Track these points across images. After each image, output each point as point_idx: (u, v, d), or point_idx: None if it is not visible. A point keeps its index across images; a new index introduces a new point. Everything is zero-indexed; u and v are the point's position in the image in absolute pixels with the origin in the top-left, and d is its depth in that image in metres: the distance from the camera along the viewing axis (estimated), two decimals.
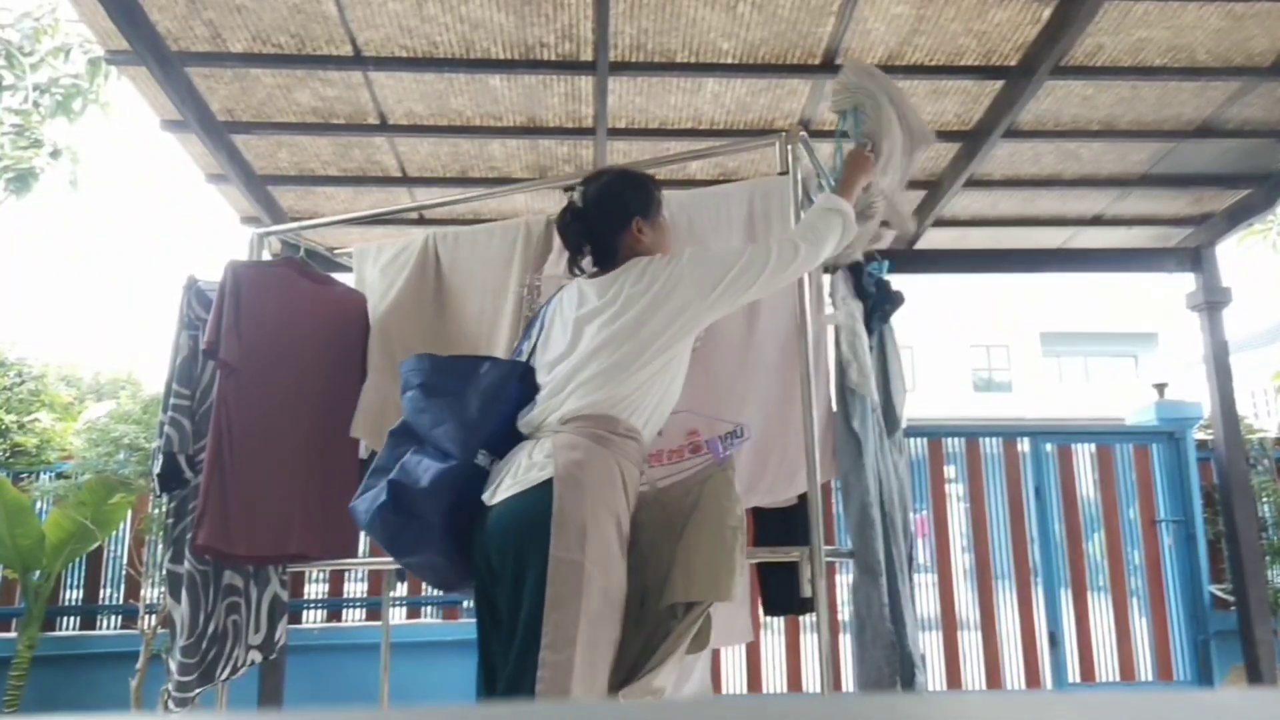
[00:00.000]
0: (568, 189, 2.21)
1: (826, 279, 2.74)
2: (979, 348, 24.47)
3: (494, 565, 1.88)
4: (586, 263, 2.19)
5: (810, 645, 4.63)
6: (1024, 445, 5.04)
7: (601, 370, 1.95)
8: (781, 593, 3.16)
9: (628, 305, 1.99)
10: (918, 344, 22.54)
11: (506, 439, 2.04)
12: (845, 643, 2.68)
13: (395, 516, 2.00)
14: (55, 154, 7.01)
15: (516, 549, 1.83)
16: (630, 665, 1.92)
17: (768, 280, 2.02)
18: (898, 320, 2.90)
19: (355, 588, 5.08)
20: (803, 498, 2.49)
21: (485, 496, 1.94)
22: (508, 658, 1.80)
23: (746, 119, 3.81)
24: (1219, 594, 4.85)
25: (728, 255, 2.02)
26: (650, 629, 1.96)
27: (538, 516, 1.81)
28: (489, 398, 2.10)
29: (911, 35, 3.30)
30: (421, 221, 4.52)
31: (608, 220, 2.13)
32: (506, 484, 1.91)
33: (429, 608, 4.97)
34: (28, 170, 6.77)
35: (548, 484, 1.83)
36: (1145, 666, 4.84)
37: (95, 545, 4.55)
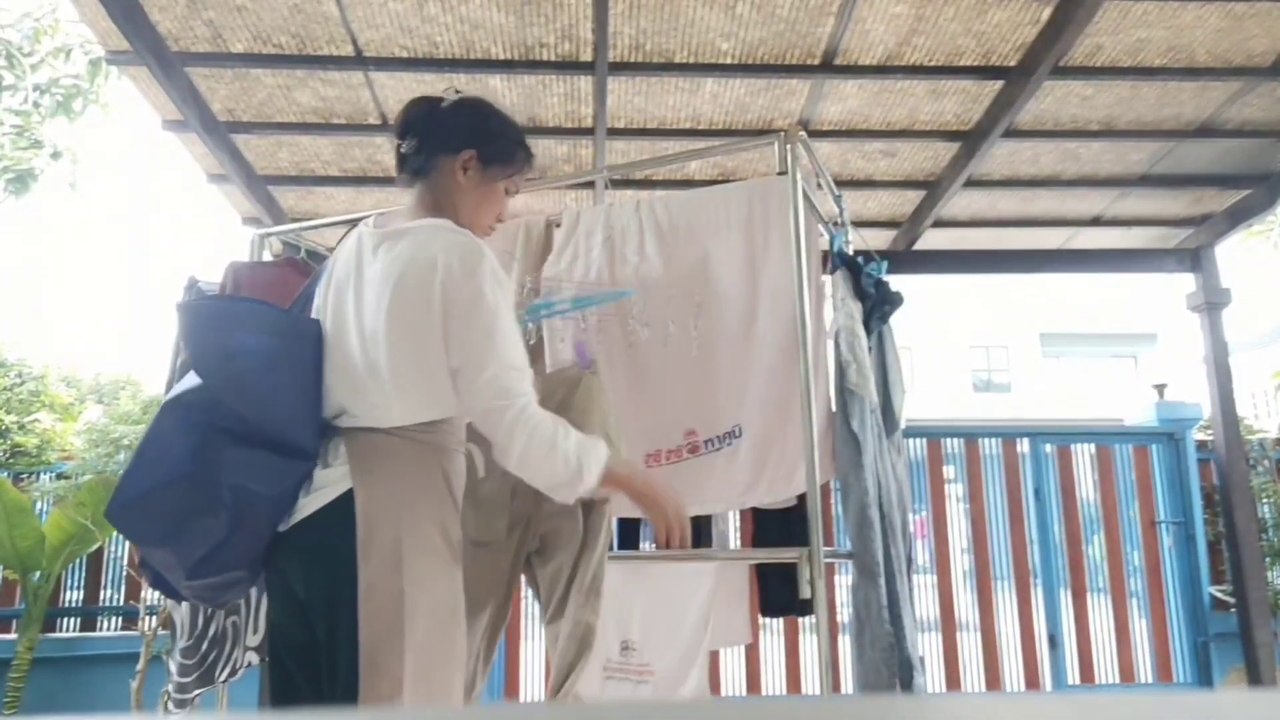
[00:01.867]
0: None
1: (826, 279, 2.74)
2: (978, 348, 24.47)
3: (304, 604, 1.60)
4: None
5: (809, 647, 4.63)
6: (1023, 446, 5.03)
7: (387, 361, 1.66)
8: (780, 594, 3.16)
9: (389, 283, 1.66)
10: (917, 344, 22.53)
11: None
12: (844, 644, 2.68)
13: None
14: (55, 155, 7.01)
15: (319, 578, 1.57)
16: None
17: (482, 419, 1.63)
18: (897, 321, 2.90)
19: None
20: (802, 498, 2.49)
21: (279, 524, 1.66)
22: (318, 688, 1.58)
23: (745, 119, 3.81)
24: (1219, 595, 4.84)
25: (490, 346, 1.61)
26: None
27: (339, 538, 1.53)
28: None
29: (911, 35, 3.30)
30: None
31: (437, 135, 1.79)
32: (300, 503, 1.62)
33: None
34: (27, 171, 6.77)
35: (346, 497, 1.56)
36: (1145, 668, 4.84)
37: (95, 546, 4.55)
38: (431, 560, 1.58)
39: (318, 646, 1.58)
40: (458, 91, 1.85)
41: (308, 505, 1.59)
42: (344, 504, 1.55)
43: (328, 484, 1.59)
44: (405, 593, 1.52)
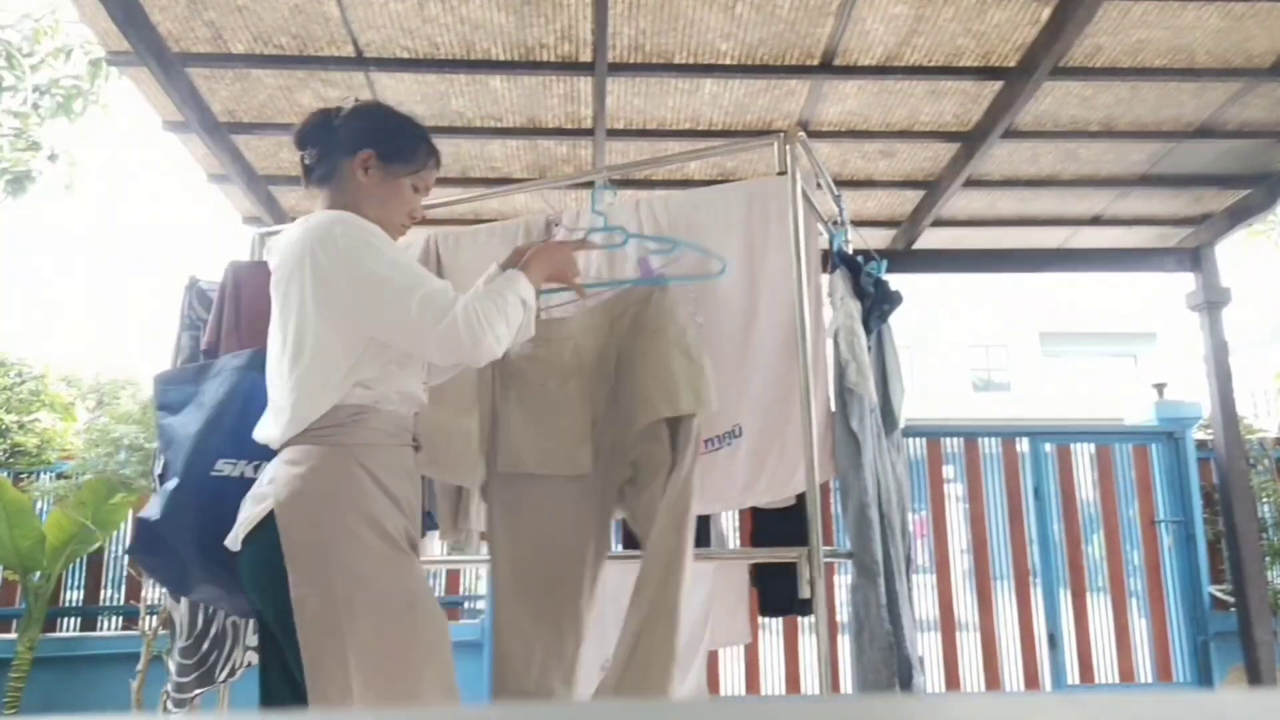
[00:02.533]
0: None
1: (825, 279, 2.75)
2: (978, 347, 24.47)
3: (266, 616, 1.67)
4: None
5: (808, 647, 4.63)
6: (1023, 445, 5.04)
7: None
8: (779, 594, 3.17)
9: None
10: (916, 344, 22.53)
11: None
12: (843, 644, 2.68)
13: (146, 556, 1.83)
14: (53, 157, 7.01)
15: (267, 602, 1.61)
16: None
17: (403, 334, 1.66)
18: (896, 320, 2.90)
19: None
20: (801, 498, 2.49)
21: (229, 541, 1.70)
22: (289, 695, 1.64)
23: (745, 120, 3.82)
24: (1219, 595, 4.85)
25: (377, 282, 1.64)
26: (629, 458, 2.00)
27: (271, 556, 1.56)
28: (218, 399, 1.87)
29: (910, 36, 3.31)
30: (423, 222, 4.51)
31: (334, 140, 1.82)
32: (240, 525, 1.67)
33: None
34: (23, 173, 6.77)
35: (271, 516, 1.59)
36: (1145, 668, 4.84)
37: (96, 546, 4.55)
38: (365, 557, 1.58)
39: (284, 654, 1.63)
40: (356, 99, 1.91)
41: (244, 524, 1.64)
42: (270, 522, 1.59)
43: (253, 504, 1.64)
44: (338, 596, 1.53)
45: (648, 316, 2.18)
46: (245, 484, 1.76)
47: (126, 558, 4.80)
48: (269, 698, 1.71)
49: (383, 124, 1.86)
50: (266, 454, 1.74)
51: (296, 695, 1.64)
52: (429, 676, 1.60)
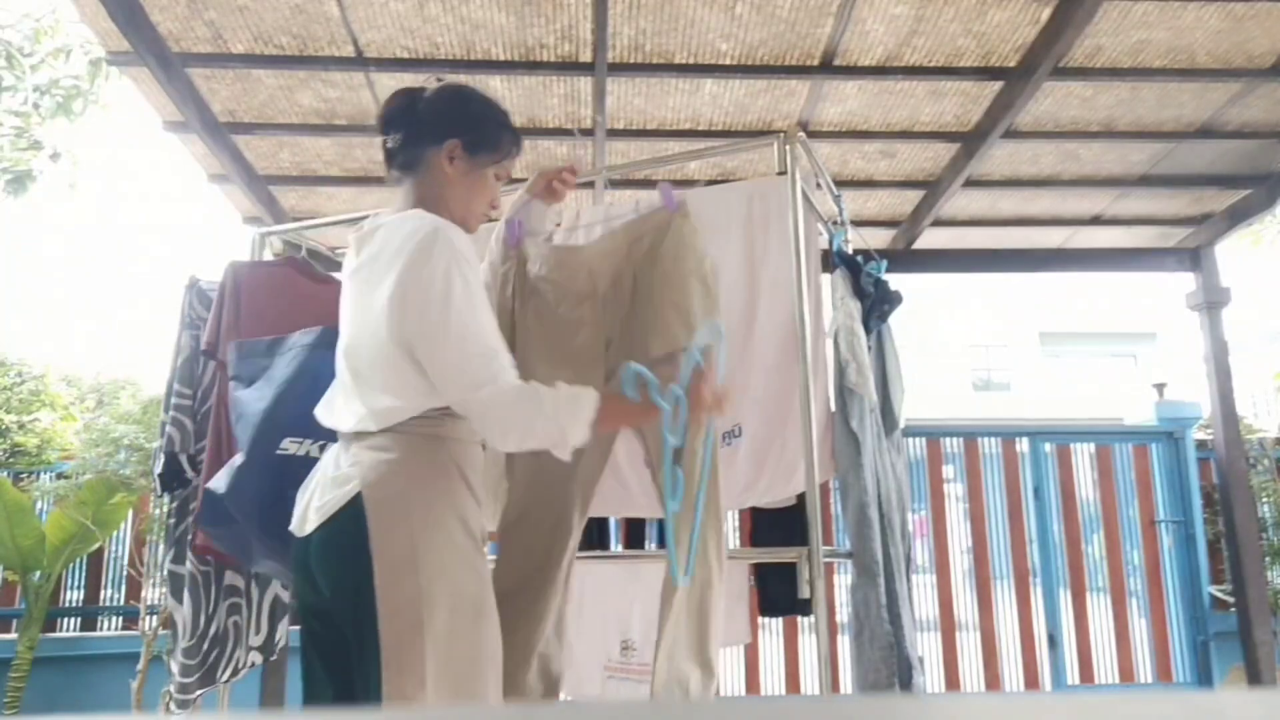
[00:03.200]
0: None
1: (825, 279, 2.75)
2: (978, 347, 24.46)
3: (330, 607, 1.62)
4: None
5: (808, 646, 4.64)
6: (1023, 445, 5.04)
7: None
8: (779, 594, 3.17)
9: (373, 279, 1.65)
10: (916, 344, 22.53)
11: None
12: (843, 644, 2.68)
13: (213, 527, 1.83)
14: (54, 156, 7.01)
15: (343, 589, 1.56)
16: None
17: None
18: (896, 320, 2.90)
19: None
20: (801, 498, 2.50)
21: (294, 525, 1.67)
22: (348, 686, 1.60)
23: (745, 120, 3.82)
24: (1218, 595, 4.85)
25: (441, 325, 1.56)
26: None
27: (355, 543, 1.52)
28: (290, 375, 1.85)
29: (910, 36, 3.31)
30: None
31: (420, 127, 1.76)
32: (313, 508, 1.62)
33: None
34: (25, 172, 6.77)
35: (357, 500, 1.54)
36: (1144, 668, 4.84)
37: (96, 546, 4.55)
38: (450, 554, 1.56)
39: (346, 646, 1.58)
40: (439, 80, 1.83)
41: (323, 509, 1.59)
42: (355, 508, 1.54)
43: (336, 488, 1.58)
44: (423, 589, 1.50)
45: (666, 244, 2.15)
46: (309, 463, 1.74)
47: (126, 558, 4.80)
48: (313, 695, 1.68)
49: (468, 110, 1.80)
50: (333, 435, 1.72)
51: (337, 694, 1.62)
52: (491, 684, 1.59)
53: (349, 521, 1.54)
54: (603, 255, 2.25)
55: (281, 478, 1.75)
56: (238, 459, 1.80)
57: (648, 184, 4.23)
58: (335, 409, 1.70)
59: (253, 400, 1.84)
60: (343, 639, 1.60)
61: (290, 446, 1.79)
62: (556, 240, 2.33)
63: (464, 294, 1.57)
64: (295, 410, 1.77)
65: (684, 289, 2.10)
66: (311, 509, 1.62)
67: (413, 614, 1.49)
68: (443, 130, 1.75)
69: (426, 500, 1.57)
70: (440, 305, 1.55)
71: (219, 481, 1.80)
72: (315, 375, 1.81)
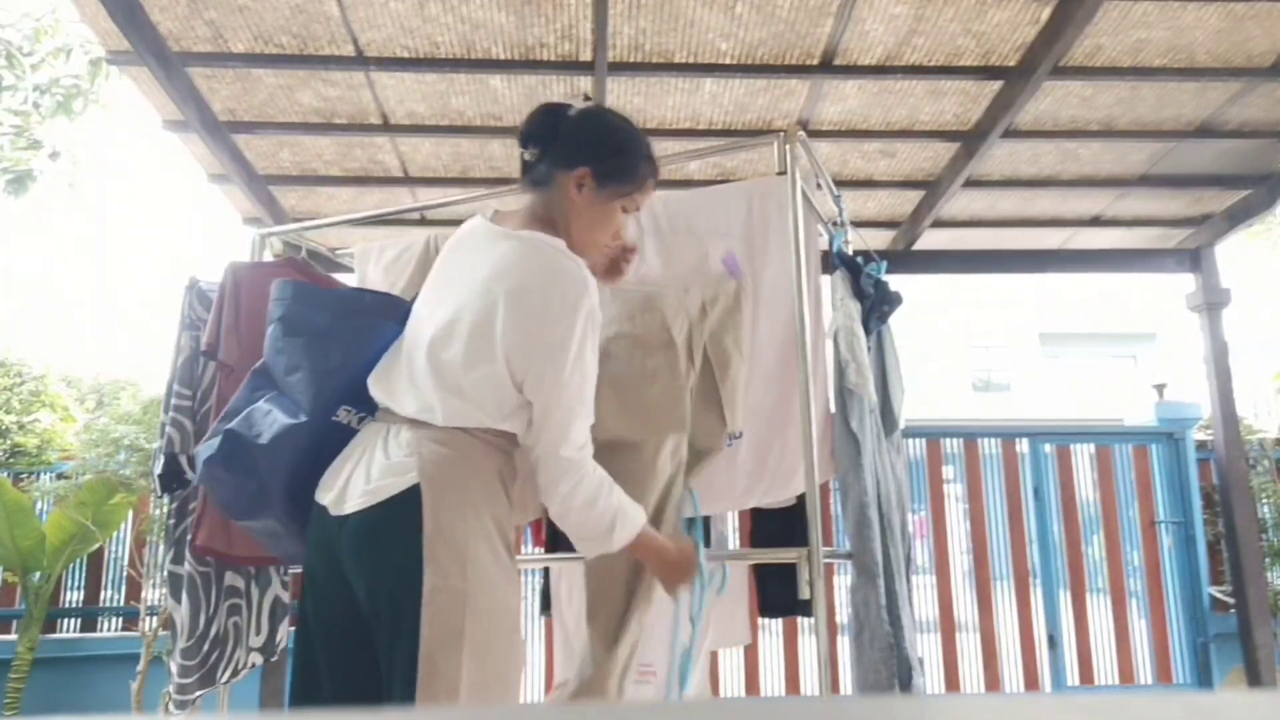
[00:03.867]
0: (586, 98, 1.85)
1: (825, 279, 2.75)
2: (978, 348, 24.46)
3: (359, 595, 1.57)
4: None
5: (808, 647, 4.63)
6: (1023, 446, 5.04)
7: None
8: (779, 594, 3.16)
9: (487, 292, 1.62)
10: (916, 344, 22.52)
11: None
12: (843, 645, 2.68)
13: (228, 474, 1.73)
14: (54, 155, 7.01)
15: (382, 577, 1.53)
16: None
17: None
18: (896, 320, 2.90)
19: None
20: (801, 498, 2.49)
21: (329, 500, 1.62)
22: (350, 680, 1.59)
23: (745, 119, 3.82)
24: (1219, 596, 4.85)
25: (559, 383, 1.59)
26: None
27: (404, 536, 1.50)
28: (357, 341, 1.78)
29: (910, 36, 3.31)
30: (423, 222, 4.53)
31: (557, 147, 1.75)
32: (358, 488, 1.58)
33: None
34: (25, 172, 6.77)
35: (412, 492, 1.52)
36: (1144, 669, 4.84)
37: (96, 546, 4.55)
38: (495, 563, 1.55)
39: (360, 635, 1.56)
40: (587, 98, 1.82)
41: (374, 492, 1.55)
42: (409, 499, 1.51)
43: (391, 475, 1.55)
44: (469, 595, 1.48)
45: (736, 321, 2.28)
46: (348, 434, 1.71)
47: (126, 558, 4.80)
48: (306, 684, 1.67)
49: (605, 139, 1.78)
50: (374, 408, 1.70)
51: (336, 688, 1.61)
52: (511, 700, 1.61)
53: (403, 509, 1.51)
54: (677, 308, 2.30)
55: (323, 443, 1.71)
56: (300, 419, 1.71)
57: None
58: (395, 389, 1.66)
59: (317, 356, 1.77)
60: (357, 626, 1.56)
61: (343, 415, 1.74)
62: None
63: (591, 359, 1.63)
64: (356, 379, 1.73)
65: (734, 386, 2.25)
66: (354, 488, 1.58)
67: (456, 619, 1.47)
68: (576, 156, 1.73)
69: (480, 507, 1.55)
70: (574, 364, 1.58)
71: (261, 428, 1.71)
72: (378, 347, 1.77)
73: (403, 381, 1.66)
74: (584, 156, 1.73)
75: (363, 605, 1.56)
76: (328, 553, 1.60)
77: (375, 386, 1.71)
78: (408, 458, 1.55)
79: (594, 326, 1.61)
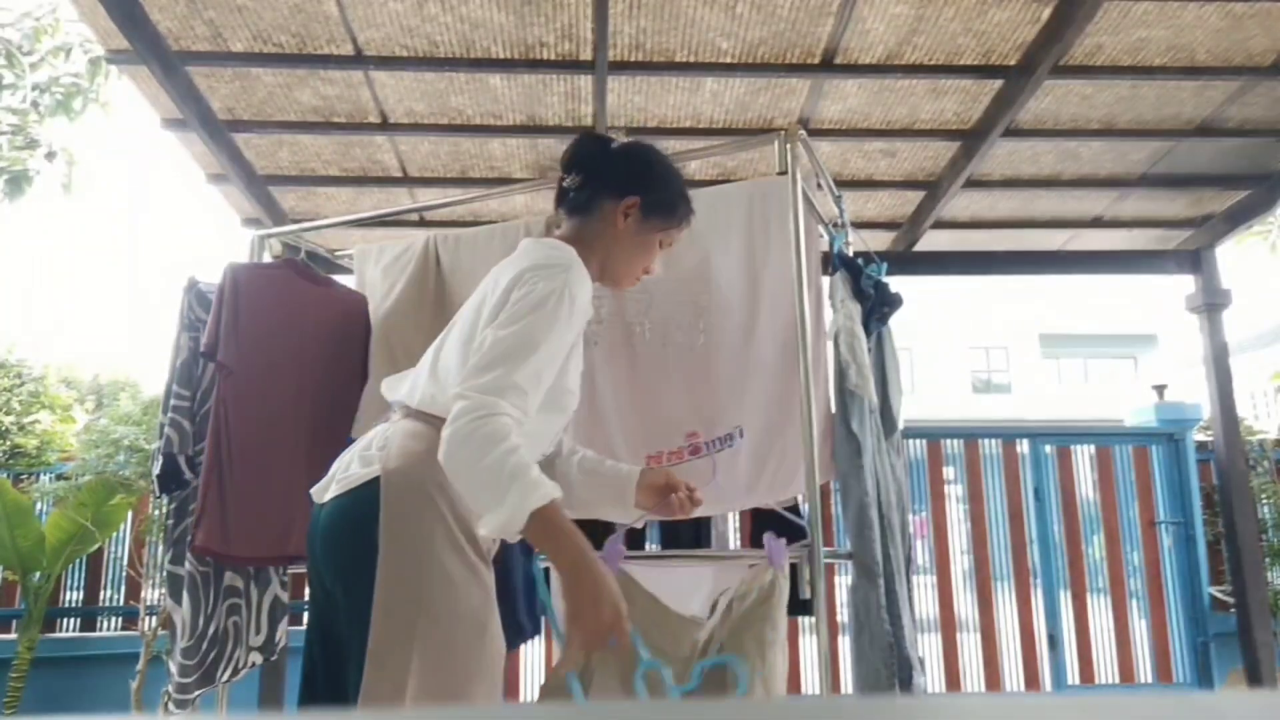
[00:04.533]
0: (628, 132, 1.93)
1: (825, 280, 2.74)
2: (978, 349, 24.47)
3: (326, 583, 1.58)
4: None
5: (809, 647, 4.63)
6: (1023, 446, 5.03)
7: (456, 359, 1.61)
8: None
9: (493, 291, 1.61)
10: (916, 346, 22.53)
11: None
12: (844, 644, 2.68)
13: None
14: (50, 155, 7.00)
15: (342, 567, 1.53)
16: None
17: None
18: (896, 322, 2.90)
19: None
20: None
21: (315, 490, 1.65)
22: (340, 681, 1.55)
23: (746, 118, 3.81)
24: (1219, 596, 4.84)
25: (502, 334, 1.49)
26: None
27: (364, 526, 1.48)
28: None
29: (911, 35, 3.30)
30: (422, 223, 4.52)
31: (603, 175, 1.77)
32: (336, 478, 1.59)
33: None
34: (21, 173, 6.76)
35: (375, 484, 1.50)
36: (1145, 668, 4.84)
37: (95, 546, 4.54)
38: (456, 562, 1.49)
39: (340, 636, 1.55)
40: (628, 134, 1.84)
41: (341, 483, 1.56)
42: (372, 489, 1.50)
43: (361, 465, 1.56)
44: (423, 592, 1.44)
45: (766, 614, 2.19)
46: None
47: (126, 558, 4.79)
48: (309, 687, 1.64)
49: (654, 172, 1.81)
50: None
51: (329, 681, 1.59)
52: (489, 700, 1.54)
53: (365, 500, 1.50)
54: (701, 625, 2.25)
55: None
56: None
57: None
58: (400, 383, 1.71)
59: None
60: (335, 626, 1.56)
61: None
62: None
63: (555, 337, 1.51)
64: None
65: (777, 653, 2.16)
66: (335, 477, 1.60)
67: (409, 613, 1.43)
68: (625, 184, 1.76)
69: (444, 503, 1.50)
70: (531, 318, 1.49)
71: None
72: None
73: (409, 375, 1.71)
74: (634, 186, 1.76)
75: (332, 594, 1.57)
76: (311, 544, 1.63)
77: (386, 389, 1.74)
78: (379, 450, 1.55)
79: (571, 306, 1.54)
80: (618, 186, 1.75)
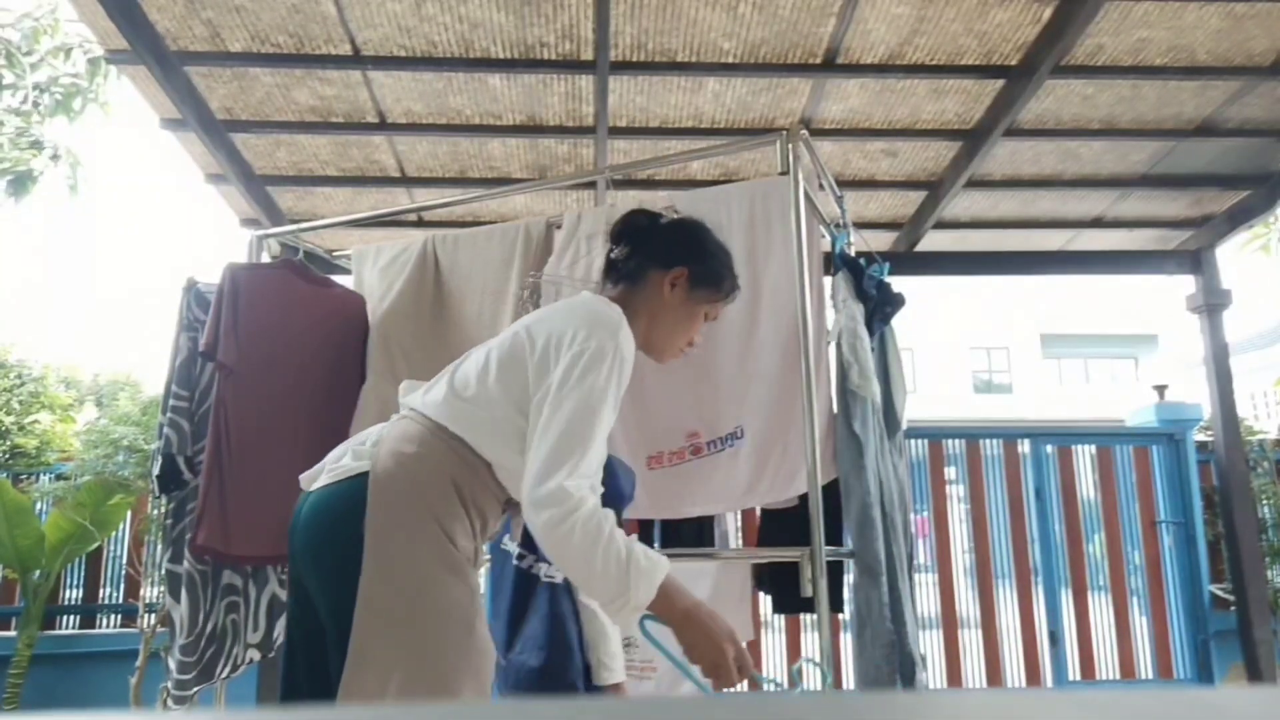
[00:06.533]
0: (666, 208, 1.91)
1: (827, 281, 2.74)
2: (979, 349, 24.46)
3: (301, 570, 1.58)
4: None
5: (811, 644, 4.63)
6: (1024, 446, 5.03)
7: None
8: (790, 592, 3.16)
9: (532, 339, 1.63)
10: (918, 346, 22.53)
11: None
12: (845, 642, 2.68)
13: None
14: (55, 157, 6.99)
15: (320, 556, 1.53)
16: None
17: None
18: (898, 322, 2.90)
19: None
20: (804, 498, 2.49)
21: (304, 476, 1.65)
22: (322, 671, 1.53)
23: (747, 118, 3.81)
24: (1219, 593, 4.84)
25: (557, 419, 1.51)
26: None
27: (345, 517, 1.48)
28: None
29: (912, 35, 3.30)
30: (420, 224, 4.52)
31: (652, 246, 1.81)
32: (327, 469, 1.60)
33: None
34: (25, 173, 6.75)
35: (364, 478, 1.51)
36: (1145, 665, 4.83)
37: (95, 545, 4.54)
38: (444, 563, 1.49)
39: (320, 632, 1.53)
40: (676, 211, 1.92)
41: (332, 473, 1.56)
42: (361, 484, 1.51)
43: (355, 459, 1.56)
44: (409, 588, 1.44)
45: None
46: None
47: (125, 557, 4.79)
48: (289, 682, 1.63)
49: (703, 246, 1.85)
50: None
51: (313, 675, 1.58)
52: (479, 698, 1.52)
53: (348, 496, 1.50)
54: None
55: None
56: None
57: (650, 184, 4.23)
58: (414, 392, 1.71)
59: None
60: (316, 623, 1.55)
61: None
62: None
63: (607, 403, 1.54)
64: None
65: None
66: (326, 468, 1.60)
67: (391, 613, 1.44)
68: (674, 256, 1.79)
69: (431, 505, 1.51)
70: (584, 391, 1.52)
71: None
72: None
73: (428, 383, 1.70)
74: (683, 258, 1.79)
75: (308, 581, 1.56)
76: (291, 531, 1.62)
77: (402, 391, 1.75)
78: (371, 446, 1.57)
79: (623, 367, 1.59)
80: (666, 257, 1.79)
